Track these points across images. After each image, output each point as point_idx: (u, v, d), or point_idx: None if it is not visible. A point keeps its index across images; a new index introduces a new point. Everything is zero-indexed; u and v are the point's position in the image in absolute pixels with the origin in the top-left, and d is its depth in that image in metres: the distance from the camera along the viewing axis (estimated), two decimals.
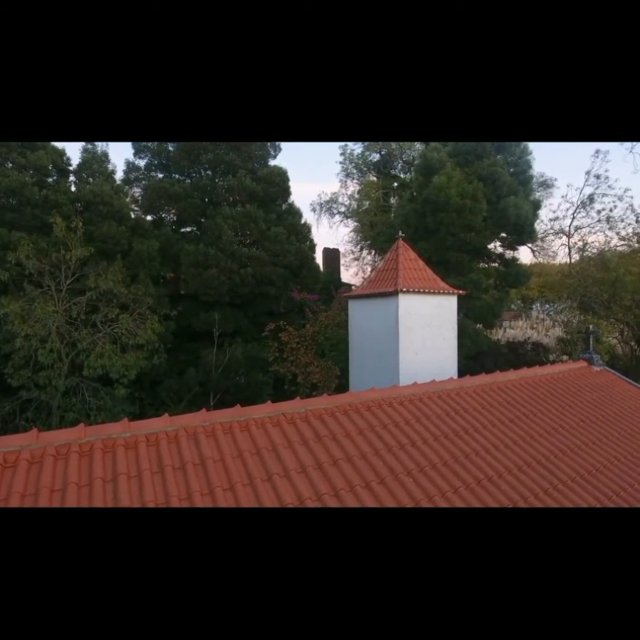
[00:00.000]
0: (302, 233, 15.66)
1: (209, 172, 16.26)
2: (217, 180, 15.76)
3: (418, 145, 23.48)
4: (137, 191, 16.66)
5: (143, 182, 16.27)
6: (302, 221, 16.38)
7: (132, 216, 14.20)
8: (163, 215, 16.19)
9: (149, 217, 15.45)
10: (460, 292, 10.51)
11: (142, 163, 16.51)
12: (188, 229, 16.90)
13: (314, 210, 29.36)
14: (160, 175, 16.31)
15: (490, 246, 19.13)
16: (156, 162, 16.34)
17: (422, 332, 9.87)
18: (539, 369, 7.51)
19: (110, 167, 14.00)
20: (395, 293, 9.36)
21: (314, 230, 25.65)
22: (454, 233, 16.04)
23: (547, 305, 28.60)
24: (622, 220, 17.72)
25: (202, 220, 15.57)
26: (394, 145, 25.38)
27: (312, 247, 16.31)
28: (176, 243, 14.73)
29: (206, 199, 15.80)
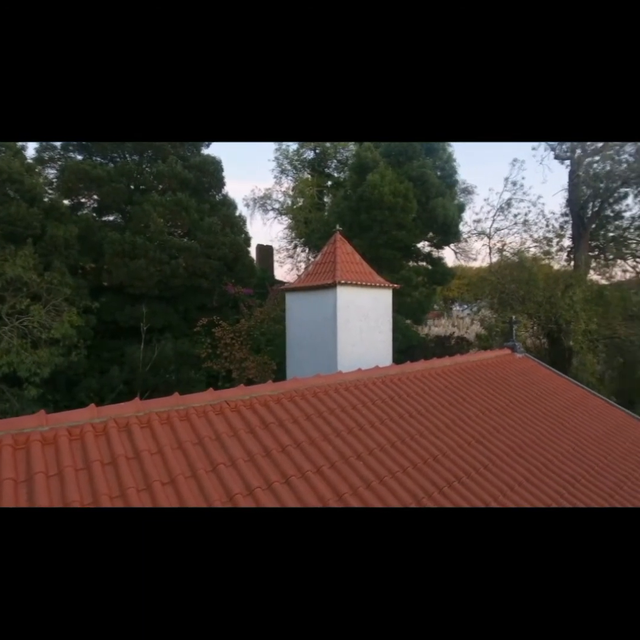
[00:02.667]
0: (237, 225, 15.19)
1: (136, 157, 15.18)
2: (144, 166, 14.77)
3: (352, 145, 23.91)
4: (51, 172, 15.08)
5: (59, 162, 14.76)
6: (237, 213, 15.91)
7: (46, 199, 12.80)
8: (82, 200, 14.82)
9: (66, 202, 14.04)
10: (396, 286, 10.79)
11: (57, 142, 14.97)
12: (111, 218, 15.65)
13: (247, 205, 28.74)
14: (80, 157, 14.91)
15: (419, 245, 20.05)
16: (74, 142, 14.92)
17: (359, 325, 9.98)
18: (471, 356, 7.91)
19: (19, 142, 12.48)
20: (333, 285, 9.37)
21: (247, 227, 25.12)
22: (387, 230, 16.53)
23: (465, 306, 30.72)
24: (535, 224, 19.47)
25: (128, 207, 14.48)
26: (328, 144, 25.60)
27: (247, 240, 15.89)
28: (98, 230, 13.54)
29: (132, 185, 14.72)
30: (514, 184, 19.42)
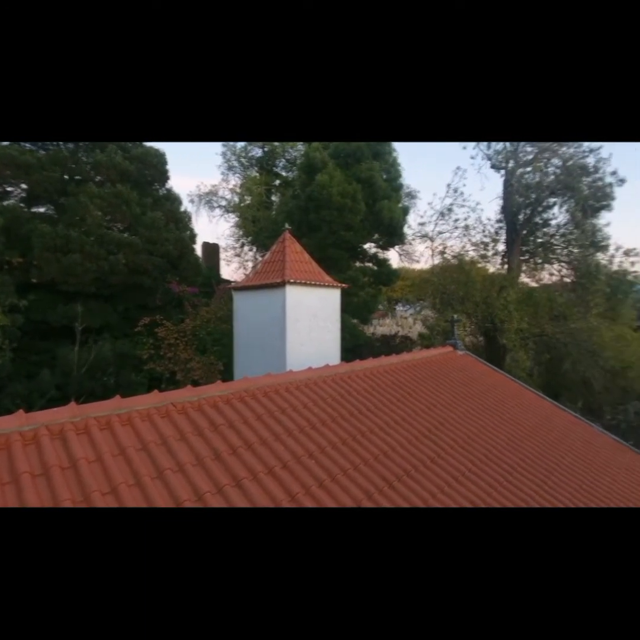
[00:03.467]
0: (182, 221, 14.63)
1: (70, 145, 14.14)
2: (80, 155, 13.80)
3: (300, 145, 23.89)
4: None
5: None
6: (182, 209, 15.33)
7: None
8: (9, 189, 13.57)
9: None
10: (344, 285, 10.91)
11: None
12: (42, 209, 14.48)
13: (192, 201, 27.76)
14: (6, 142, 13.63)
15: (366, 246, 20.45)
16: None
17: (308, 324, 9.98)
18: (416, 353, 8.18)
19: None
20: (282, 284, 9.30)
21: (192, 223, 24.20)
22: (335, 231, 16.70)
23: (408, 306, 31.85)
24: (474, 229, 20.48)
25: (61, 198, 13.46)
26: (276, 142, 25.38)
27: (193, 236, 15.35)
28: (26, 222, 12.46)
29: (66, 175, 13.70)
30: (456, 190, 20.36)
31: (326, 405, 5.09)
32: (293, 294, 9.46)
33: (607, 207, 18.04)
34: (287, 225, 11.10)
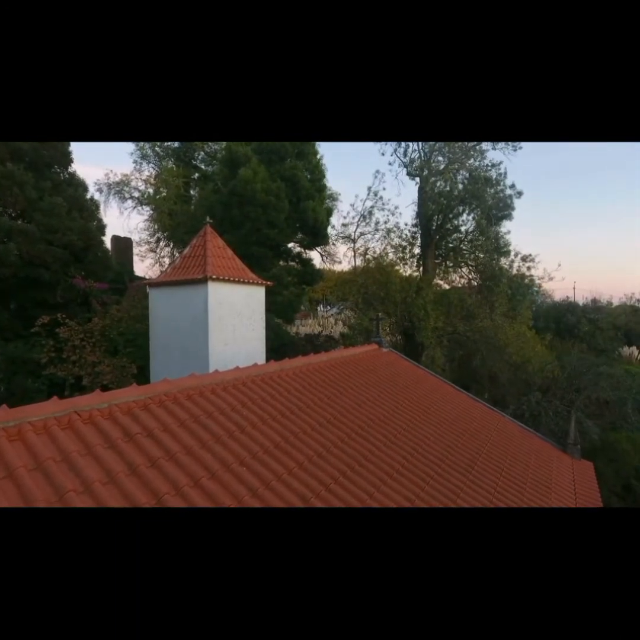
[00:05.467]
0: (88, 209, 13.19)
1: None
2: None
3: None
4: None
5: None
6: (88, 196, 13.85)
7: None
8: None
9: None
10: (269, 283, 10.63)
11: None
12: None
13: (100, 190, 25.37)
14: None
15: (290, 245, 20.29)
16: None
17: (232, 322, 9.57)
18: (344, 351, 8.17)
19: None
20: (204, 280, 8.79)
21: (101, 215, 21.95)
22: (259, 228, 16.29)
23: (329, 307, 32.44)
24: (394, 232, 21.27)
25: None
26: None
27: (101, 228, 13.94)
28: None
29: None
30: (376, 194, 21.02)
31: (256, 407, 4.78)
32: (216, 290, 8.99)
33: (508, 216, 19.85)
34: (208, 219, 10.53)
